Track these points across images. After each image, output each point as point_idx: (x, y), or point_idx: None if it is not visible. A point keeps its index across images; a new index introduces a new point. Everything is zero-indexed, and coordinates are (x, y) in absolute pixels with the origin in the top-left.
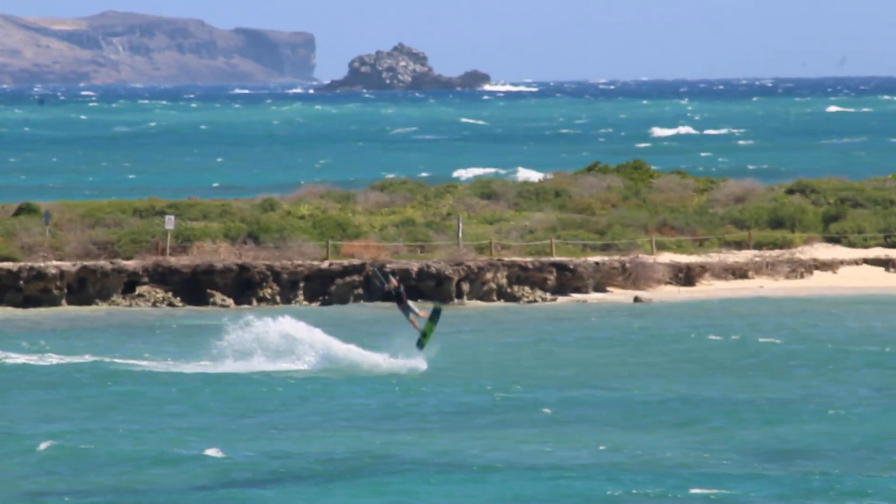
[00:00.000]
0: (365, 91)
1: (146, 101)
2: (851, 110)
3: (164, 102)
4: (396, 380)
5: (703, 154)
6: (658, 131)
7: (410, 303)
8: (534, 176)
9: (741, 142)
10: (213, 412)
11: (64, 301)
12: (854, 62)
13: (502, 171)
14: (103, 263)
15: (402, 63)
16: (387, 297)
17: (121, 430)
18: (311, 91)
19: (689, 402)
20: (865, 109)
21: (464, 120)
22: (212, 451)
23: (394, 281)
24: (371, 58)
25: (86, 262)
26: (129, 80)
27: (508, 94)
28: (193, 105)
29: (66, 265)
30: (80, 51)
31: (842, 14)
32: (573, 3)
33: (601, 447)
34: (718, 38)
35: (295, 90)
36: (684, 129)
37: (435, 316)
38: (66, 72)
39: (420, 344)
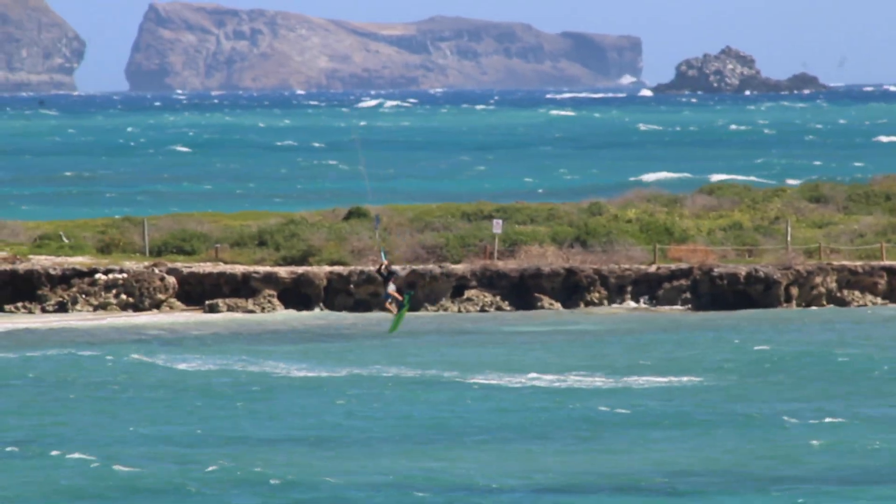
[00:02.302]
0: (690, 95)
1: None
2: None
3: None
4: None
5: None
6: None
7: (392, 289)
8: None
9: None
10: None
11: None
12: (854, 64)
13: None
14: (432, 267)
15: (730, 66)
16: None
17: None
18: (646, 93)
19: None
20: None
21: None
22: None
23: (385, 262)
24: (698, 61)
25: (415, 266)
26: (457, 85)
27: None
28: (486, 107)
29: (396, 269)
30: (409, 56)
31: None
32: None
33: None
34: None
35: (644, 93)
36: None
37: (406, 302)
38: (396, 76)
39: (393, 328)
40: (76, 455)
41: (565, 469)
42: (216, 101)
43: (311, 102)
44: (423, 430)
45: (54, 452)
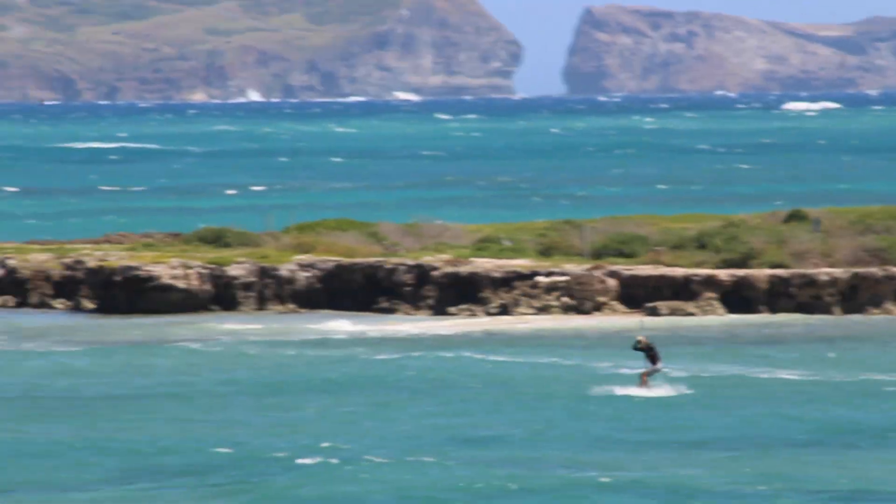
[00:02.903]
0: None
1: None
2: None
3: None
4: None
5: None
6: None
7: (658, 365)
8: None
9: None
10: None
11: (837, 308)
12: None
13: None
14: (874, 270)
15: None
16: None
17: None
18: None
19: None
20: None
21: None
22: None
23: (643, 340)
24: None
25: (857, 269)
26: (895, 86)
27: None
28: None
29: (838, 272)
30: (846, 56)
31: None
32: None
33: None
34: None
35: None
36: None
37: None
38: (833, 78)
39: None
40: (502, 454)
41: None
42: (638, 104)
43: (739, 106)
44: (832, 435)
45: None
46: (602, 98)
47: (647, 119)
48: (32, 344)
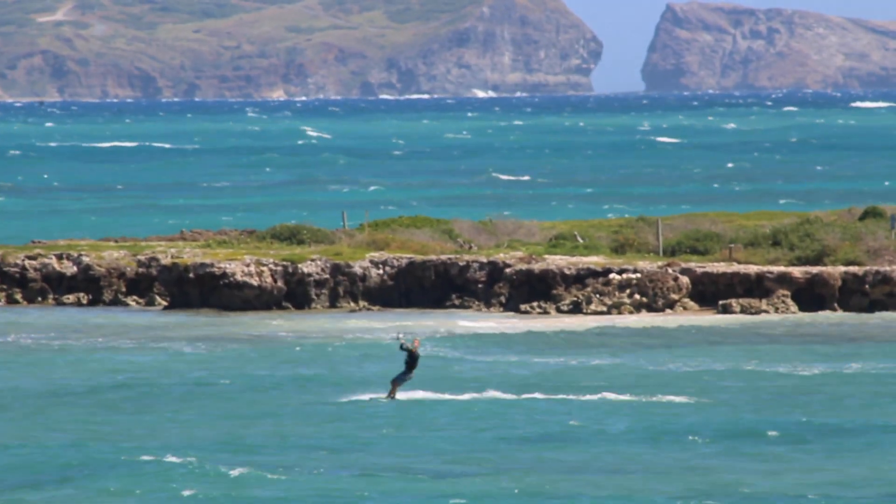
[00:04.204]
0: None
1: None
2: None
3: None
4: None
5: None
6: None
7: (407, 375)
8: None
9: None
10: None
11: None
12: None
13: None
14: None
15: None
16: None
17: None
18: None
19: None
20: None
21: None
22: None
23: (408, 346)
24: None
25: None
26: None
27: None
28: None
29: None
30: None
31: None
32: None
33: None
34: None
35: None
36: None
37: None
38: None
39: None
40: None
41: None
42: (695, 102)
43: (785, 107)
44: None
45: None
46: (663, 94)
47: (709, 117)
48: (89, 340)
